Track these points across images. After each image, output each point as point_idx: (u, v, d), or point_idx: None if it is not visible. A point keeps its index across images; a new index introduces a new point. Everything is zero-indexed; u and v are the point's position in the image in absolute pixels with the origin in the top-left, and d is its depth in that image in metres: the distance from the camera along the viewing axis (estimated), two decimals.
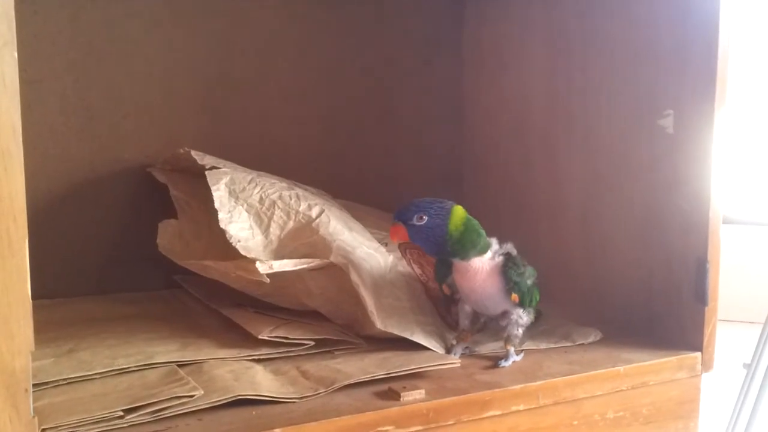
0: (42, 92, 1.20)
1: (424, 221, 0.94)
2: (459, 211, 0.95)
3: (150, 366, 0.89)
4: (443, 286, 1.01)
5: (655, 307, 1.10)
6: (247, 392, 0.83)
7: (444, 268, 0.99)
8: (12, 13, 0.64)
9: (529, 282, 0.98)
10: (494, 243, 0.98)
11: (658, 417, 1.01)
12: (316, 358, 0.96)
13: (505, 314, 1.00)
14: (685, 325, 1.04)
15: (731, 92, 1.00)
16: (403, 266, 1.08)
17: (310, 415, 0.80)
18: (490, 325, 1.03)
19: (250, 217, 1.06)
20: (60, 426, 0.74)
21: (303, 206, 1.07)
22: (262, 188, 1.09)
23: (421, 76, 1.48)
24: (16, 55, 0.64)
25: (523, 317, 0.99)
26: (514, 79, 1.37)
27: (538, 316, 1.08)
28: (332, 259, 0.99)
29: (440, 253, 0.97)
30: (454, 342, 1.00)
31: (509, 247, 0.99)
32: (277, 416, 0.80)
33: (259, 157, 1.30)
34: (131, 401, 0.79)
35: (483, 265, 0.96)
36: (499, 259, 0.97)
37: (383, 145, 1.46)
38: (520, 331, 0.99)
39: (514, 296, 0.97)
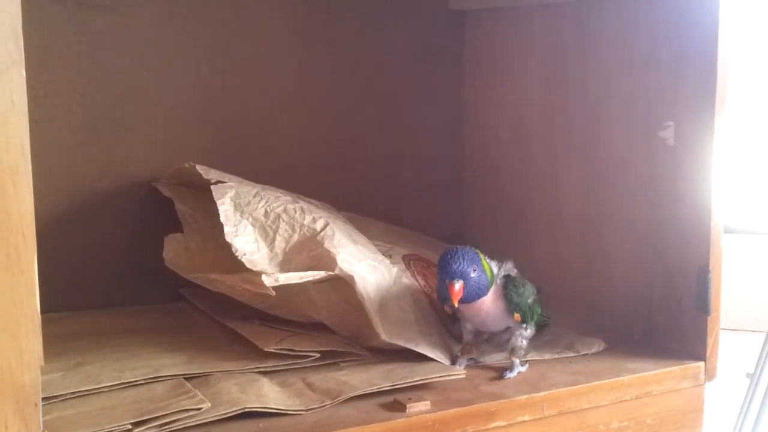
0: (48, 108, 1.20)
1: (476, 272, 0.93)
2: (479, 254, 0.95)
3: (157, 379, 0.90)
4: (445, 306, 1.01)
5: (658, 316, 1.10)
6: (254, 404, 0.83)
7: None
8: (20, 31, 0.64)
9: (529, 300, 0.99)
10: (494, 266, 0.98)
11: (662, 427, 1.01)
12: (322, 370, 0.97)
13: (507, 330, 1.01)
14: (688, 334, 1.05)
15: (731, 101, 1.01)
16: (408, 278, 1.09)
17: (317, 427, 0.80)
18: (494, 339, 1.04)
19: (256, 230, 1.06)
20: None
21: (308, 219, 1.08)
22: (266, 202, 1.10)
23: (420, 86, 1.48)
24: (24, 73, 0.64)
25: (525, 331, 1.00)
26: (513, 89, 1.37)
27: (544, 327, 1.08)
28: (337, 271, 0.99)
29: (478, 298, 0.95)
30: (459, 353, 1.01)
31: (509, 267, 1.00)
32: (284, 428, 0.80)
33: (262, 169, 1.30)
34: (139, 414, 0.80)
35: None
36: (500, 282, 0.98)
37: (384, 156, 1.46)
38: (525, 342, 1.00)
39: (517, 316, 0.98)
